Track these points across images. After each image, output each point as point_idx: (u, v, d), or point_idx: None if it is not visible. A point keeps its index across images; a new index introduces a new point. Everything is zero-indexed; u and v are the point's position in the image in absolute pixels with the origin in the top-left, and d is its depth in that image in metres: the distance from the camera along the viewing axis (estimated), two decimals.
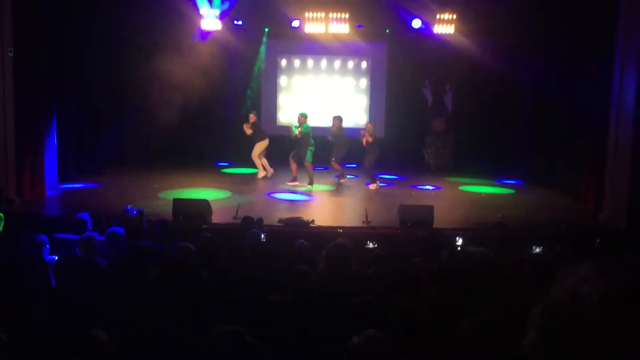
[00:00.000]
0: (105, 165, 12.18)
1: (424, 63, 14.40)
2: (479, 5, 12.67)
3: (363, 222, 8.13)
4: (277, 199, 10.24)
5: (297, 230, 7.41)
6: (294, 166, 11.39)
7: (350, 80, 15.16)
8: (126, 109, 12.88)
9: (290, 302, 3.92)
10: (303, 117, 11.45)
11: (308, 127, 11.36)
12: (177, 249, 5.00)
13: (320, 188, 11.19)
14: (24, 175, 9.20)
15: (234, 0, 13.39)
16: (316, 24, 13.69)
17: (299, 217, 8.14)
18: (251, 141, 12.07)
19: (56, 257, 5.18)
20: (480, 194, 11.13)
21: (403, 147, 14.37)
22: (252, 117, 12.13)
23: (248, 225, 6.51)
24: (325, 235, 6.77)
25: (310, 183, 11.17)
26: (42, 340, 3.06)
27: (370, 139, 11.02)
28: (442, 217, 8.17)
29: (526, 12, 11.64)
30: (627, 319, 1.01)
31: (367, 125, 11.52)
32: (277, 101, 15.25)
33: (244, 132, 12.06)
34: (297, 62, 15.15)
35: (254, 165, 12.19)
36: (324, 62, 15.09)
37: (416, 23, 13.61)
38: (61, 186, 10.41)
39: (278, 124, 14.85)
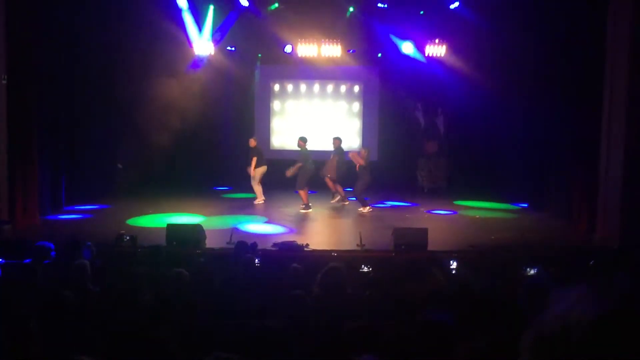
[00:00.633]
0: (99, 191, 12.16)
1: (416, 86, 14.54)
2: (469, 29, 12.87)
3: (357, 245, 8.10)
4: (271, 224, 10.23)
5: (291, 254, 7.38)
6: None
7: (343, 104, 15.28)
8: (120, 134, 12.90)
9: (285, 328, 3.89)
10: (302, 142, 11.50)
11: (307, 151, 11.45)
12: (171, 274, 4.97)
13: (315, 211, 11.19)
14: (16, 202, 9.15)
15: (227, 28, 13.53)
16: (308, 49, 13.84)
17: (293, 241, 8.11)
18: (250, 166, 12.00)
19: None
20: (475, 216, 11.14)
21: (396, 170, 14.43)
22: (253, 142, 12.10)
23: (242, 250, 6.48)
24: (320, 259, 6.75)
25: (306, 208, 11.22)
26: None
27: (363, 163, 11.09)
28: (436, 240, 8.16)
29: (517, 39, 11.82)
30: (616, 344, 1.00)
31: (361, 150, 11.60)
32: (271, 125, 15.32)
33: (244, 157, 12.08)
34: (290, 87, 15.27)
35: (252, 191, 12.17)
36: (316, 87, 15.21)
37: (406, 48, 13.78)
38: (60, 213, 10.36)
39: (271, 148, 14.91)
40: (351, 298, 4.49)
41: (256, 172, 11.93)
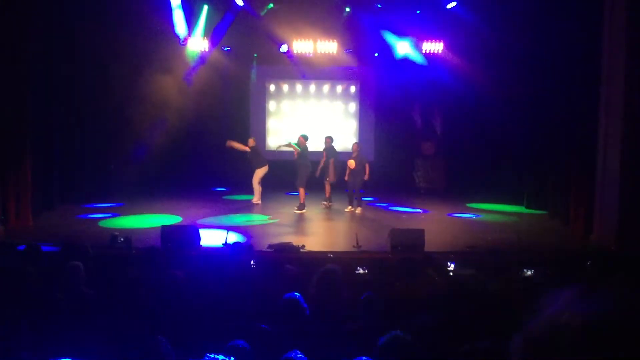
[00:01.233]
0: (95, 191, 12.11)
1: (413, 86, 14.53)
2: (466, 30, 12.86)
3: (354, 246, 8.07)
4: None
5: (288, 255, 7.34)
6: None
7: (339, 105, 15.25)
8: (114, 134, 12.84)
9: (281, 330, 3.85)
10: (303, 139, 11.45)
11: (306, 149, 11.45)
12: (165, 276, 4.92)
13: (310, 212, 11.17)
14: (8, 204, 9.09)
15: (224, 29, 13.49)
16: (304, 49, 13.83)
17: (289, 243, 8.07)
18: (249, 166, 12.01)
19: None
20: (471, 218, 11.12)
21: (393, 171, 14.41)
22: (252, 142, 12.10)
23: (237, 252, 6.44)
24: (316, 260, 6.71)
25: (301, 208, 11.17)
26: None
27: (354, 167, 11.11)
28: (433, 241, 8.14)
29: (513, 39, 11.80)
30: (605, 347, 0.98)
31: (353, 145, 11.67)
32: (266, 126, 15.29)
33: (240, 158, 12.02)
34: (285, 87, 15.24)
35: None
36: (312, 87, 15.18)
37: (402, 48, 13.77)
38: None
39: (267, 148, 14.87)
40: (347, 300, 4.44)
41: (257, 172, 11.89)
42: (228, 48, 14.13)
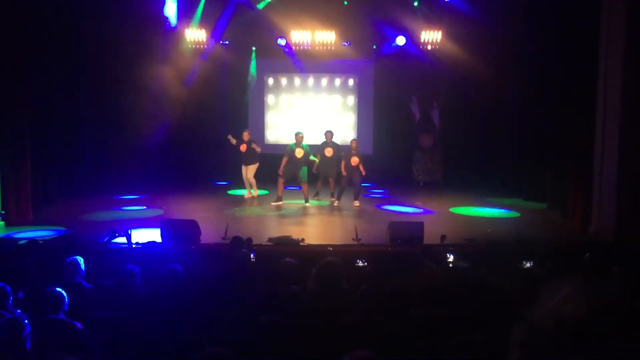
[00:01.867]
0: (91, 187, 12.13)
1: (411, 79, 14.51)
2: (464, 21, 12.83)
3: (353, 239, 8.09)
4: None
5: (287, 249, 7.36)
6: (281, 185, 11.37)
7: (337, 98, 15.23)
8: (113, 128, 12.83)
9: (280, 323, 3.87)
10: (301, 136, 11.37)
11: (307, 146, 11.39)
12: (166, 270, 4.93)
13: (310, 206, 11.19)
14: (8, 199, 9.10)
15: (224, 22, 13.45)
16: (303, 42, 13.79)
17: (289, 236, 8.09)
18: (242, 159, 11.90)
19: None
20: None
21: (391, 164, 14.40)
22: (247, 135, 11.94)
23: (237, 245, 6.45)
24: (315, 253, 6.72)
25: (307, 201, 11.27)
26: None
27: (358, 162, 11.15)
28: (432, 234, 8.15)
29: (512, 27, 11.79)
30: (607, 339, 0.99)
31: (352, 142, 11.62)
32: (265, 120, 15.27)
33: (238, 152, 11.94)
34: (284, 81, 15.21)
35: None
36: (311, 80, 15.15)
37: (400, 40, 13.77)
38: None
39: (266, 142, 14.84)
40: (347, 293, 4.46)
41: (251, 169, 11.86)
42: (226, 42, 14.08)
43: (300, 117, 14.88)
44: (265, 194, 12.32)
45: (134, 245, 6.75)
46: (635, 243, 7.52)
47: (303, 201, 11.24)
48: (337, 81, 15.17)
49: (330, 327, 3.66)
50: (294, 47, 14.00)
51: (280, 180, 11.30)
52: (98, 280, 5.12)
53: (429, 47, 13.75)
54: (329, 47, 13.89)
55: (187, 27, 13.33)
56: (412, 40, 13.78)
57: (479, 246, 7.19)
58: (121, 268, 5.00)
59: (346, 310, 3.95)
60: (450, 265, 6.30)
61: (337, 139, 12.48)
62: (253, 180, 11.96)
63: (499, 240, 7.84)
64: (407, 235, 7.90)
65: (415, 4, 13.43)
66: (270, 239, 7.95)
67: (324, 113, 14.99)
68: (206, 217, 9.42)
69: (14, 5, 9.11)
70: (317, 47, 13.88)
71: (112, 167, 12.83)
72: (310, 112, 15.01)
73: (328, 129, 11.82)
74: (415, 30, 13.60)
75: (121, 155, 12.78)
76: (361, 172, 11.18)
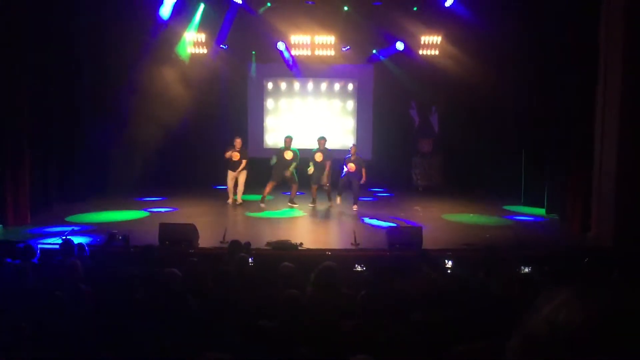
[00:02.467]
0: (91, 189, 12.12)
1: (410, 84, 14.52)
2: (464, 26, 12.86)
3: (352, 244, 8.08)
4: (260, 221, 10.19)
5: (285, 253, 7.35)
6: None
7: (337, 103, 15.24)
8: (112, 131, 12.82)
9: (279, 328, 3.85)
10: (290, 139, 11.64)
11: (296, 149, 11.60)
12: (163, 274, 4.92)
13: (309, 210, 11.19)
14: (6, 202, 9.08)
15: (226, 29, 13.47)
16: (302, 47, 13.82)
17: (287, 241, 8.08)
18: (232, 166, 11.55)
19: None
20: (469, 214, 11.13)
21: (391, 168, 14.41)
22: (239, 142, 11.64)
23: (235, 250, 6.44)
24: (314, 258, 6.72)
25: (291, 200, 11.53)
26: None
27: (353, 165, 11.23)
28: (430, 238, 8.15)
29: (511, 32, 11.81)
30: (605, 345, 0.98)
31: (352, 147, 11.67)
32: (264, 124, 15.27)
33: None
34: (283, 85, 15.22)
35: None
36: (310, 85, 15.16)
37: (399, 46, 13.82)
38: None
39: (265, 146, 14.85)
40: (345, 298, 4.45)
41: (243, 176, 11.62)
42: (226, 46, 14.09)
43: (299, 122, 14.89)
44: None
45: (131, 250, 6.74)
46: (634, 248, 7.53)
47: (296, 204, 11.36)
48: (337, 86, 15.18)
49: (329, 332, 3.65)
50: (293, 52, 14.01)
51: (270, 183, 11.48)
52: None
53: (429, 52, 13.77)
54: (328, 52, 13.90)
55: (186, 31, 13.33)
56: (411, 45, 13.80)
57: (477, 251, 7.19)
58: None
59: (346, 315, 3.94)
60: (449, 270, 6.29)
61: (337, 144, 12.50)
62: (242, 187, 11.66)
63: (497, 246, 7.83)
64: (406, 240, 7.91)
65: (415, 9, 13.45)
66: (268, 243, 7.94)
67: (323, 118, 15.00)
68: (205, 221, 9.41)
69: (10, 5, 9.11)
70: (317, 52, 13.90)
71: (110, 169, 12.82)
72: (310, 117, 15.02)
73: (321, 136, 11.67)
74: (415, 36, 13.63)
75: (120, 157, 12.76)
76: (361, 177, 11.20)
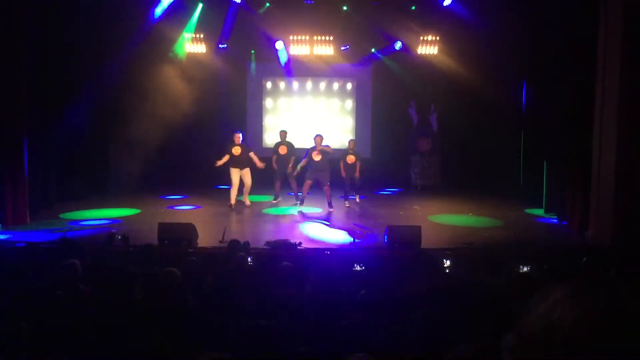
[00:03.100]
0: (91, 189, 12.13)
1: (409, 84, 14.53)
2: (462, 26, 12.87)
3: (351, 243, 8.09)
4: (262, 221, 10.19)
5: (285, 252, 7.35)
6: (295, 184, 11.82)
7: (335, 102, 15.24)
8: (111, 130, 12.81)
9: (278, 327, 3.86)
10: (284, 133, 12.14)
11: (290, 143, 12.12)
12: (163, 273, 4.92)
13: (308, 209, 11.18)
14: (5, 202, 9.08)
15: (228, 29, 13.47)
16: (301, 46, 13.82)
17: (286, 240, 8.08)
18: (235, 163, 11.16)
19: None
20: (468, 214, 11.13)
21: (389, 167, 14.42)
22: (238, 138, 11.26)
23: (235, 249, 6.45)
24: (313, 257, 6.72)
25: (297, 199, 11.61)
26: None
27: (354, 157, 11.48)
28: (430, 237, 8.15)
29: (510, 31, 11.82)
30: (599, 344, 0.98)
31: (350, 142, 11.94)
32: (263, 123, 15.27)
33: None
34: (282, 84, 15.22)
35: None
36: (309, 84, 15.16)
37: (398, 45, 13.85)
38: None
39: (264, 145, 14.85)
40: (344, 296, 4.45)
41: (245, 173, 11.32)
42: (224, 45, 14.09)
43: (298, 121, 14.89)
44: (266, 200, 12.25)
45: (130, 249, 6.74)
46: (632, 248, 7.54)
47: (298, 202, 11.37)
48: (336, 85, 15.19)
49: (328, 331, 3.65)
50: (292, 51, 14.02)
51: (276, 182, 11.74)
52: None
53: (427, 52, 13.78)
54: (327, 52, 13.90)
55: (184, 30, 13.33)
56: (410, 44, 13.81)
57: (476, 250, 7.20)
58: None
59: (344, 314, 3.94)
60: (448, 269, 6.30)
61: (336, 143, 12.53)
62: (249, 187, 11.36)
63: (496, 244, 7.85)
64: (405, 238, 7.91)
65: (413, 8, 13.45)
66: (267, 243, 7.94)
67: (322, 117, 15.01)
68: (204, 221, 9.42)
69: (9, 7, 9.11)
70: (316, 52, 13.90)
71: (111, 169, 12.82)
72: (308, 116, 15.03)
73: (318, 134, 11.39)
74: (413, 35, 13.63)
75: (120, 157, 12.76)
76: (355, 171, 11.38)
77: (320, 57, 14.09)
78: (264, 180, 12.09)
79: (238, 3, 12.99)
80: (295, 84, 15.18)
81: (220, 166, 11.05)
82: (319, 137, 11.21)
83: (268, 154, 13.00)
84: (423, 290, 4.26)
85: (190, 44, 13.63)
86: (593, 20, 8.78)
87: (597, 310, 1.00)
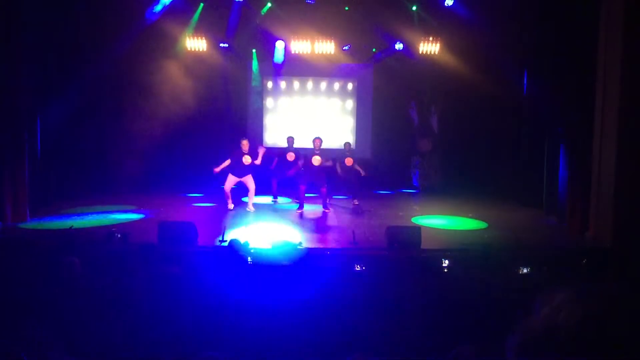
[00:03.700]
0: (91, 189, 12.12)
1: (410, 84, 14.53)
2: (463, 26, 12.86)
3: (351, 243, 8.08)
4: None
5: (285, 252, 7.33)
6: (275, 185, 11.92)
7: (336, 102, 15.24)
8: (111, 132, 12.81)
9: (277, 327, 3.85)
10: (292, 139, 12.00)
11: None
12: (161, 273, 4.91)
13: (308, 210, 11.18)
14: (5, 201, 9.08)
15: (227, 26, 13.47)
16: (302, 46, 13.81)
17: (286, 240, 8.07)
18: (239, 171, 10.90)
19: None
20: (467, 214, 11.13)
21: (390, 168, 14.42)
22: (246, 144, 10.89)
23: (235, 249, 6.44)
24: (313, 257, 6.71)
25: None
26: None
27: (351, 160, 11.45)
28: (430, 238, 8.15)
29: (511, 32, 11.81)
30: (603, 347, 0.98)
31: (346, 144, 11.95)
32: (264, 122, 15.27)
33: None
34: (283, 84, 15.22)
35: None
36: (310, 84, 15.16)
37: (398, 46, 13.85)
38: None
39: (264, 145, 14.83)
40: (344, 297, 4.45)
41: (248, 179, 11.14)
42: (226, 45, 14.08)
43: (299, 121, 14.89)
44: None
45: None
46: (632, 249, 7.53)
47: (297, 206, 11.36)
48: (336, 85, 15.19)
49: (328, 332, 3.65)
50: (293, 51, 14.01)
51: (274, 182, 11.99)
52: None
53: (428, 52, 13.77)
54: (328, 51, 13.89)
55: (185, 29, 13.33)
56: (411, 45, 13.81)
57: (476, 251, 7.18)
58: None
59: (344, 315, 3.94)
60: (446, 270, 6.29)
61: (336, 143, 12.51)
62: (253, 194, 11.15)
63: (496, 246, 7.83)
64: (405, 239, 7.91)
65: (414, 8, 13.45)
66: (267, 243, 7.93)
67: (322, 117, 15.01)
68: (205, 220, 9.41)
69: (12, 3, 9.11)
70: (317, 51, 13.89)
71: (111, 168, 12.82)
72: (309, 116, 15.03)
73: (317, 136, 11.24)
74: (414, 36, 13.63)
75: (121, 156, 12.76)
76: (359, 172, 11.33)
77: (322, 57, 14.08)
78: (264, 181, 12.08)
79: (240, 2, 12.98)
80: (296, 84, 15.19)
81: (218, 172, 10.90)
82: (318, 140, 11.12)
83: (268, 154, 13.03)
84: (423, 290, 4.25)
85: (192, 42, 13.59)
86: (594, 22, 8.77)
87: (600, 312, 1.00)
